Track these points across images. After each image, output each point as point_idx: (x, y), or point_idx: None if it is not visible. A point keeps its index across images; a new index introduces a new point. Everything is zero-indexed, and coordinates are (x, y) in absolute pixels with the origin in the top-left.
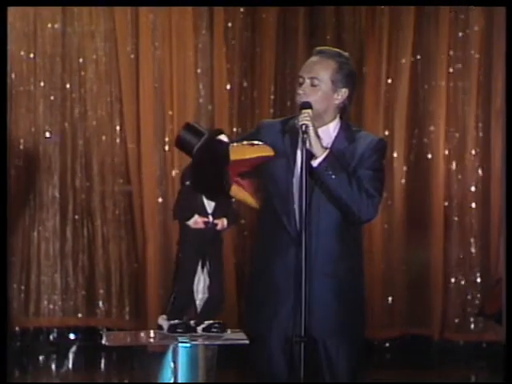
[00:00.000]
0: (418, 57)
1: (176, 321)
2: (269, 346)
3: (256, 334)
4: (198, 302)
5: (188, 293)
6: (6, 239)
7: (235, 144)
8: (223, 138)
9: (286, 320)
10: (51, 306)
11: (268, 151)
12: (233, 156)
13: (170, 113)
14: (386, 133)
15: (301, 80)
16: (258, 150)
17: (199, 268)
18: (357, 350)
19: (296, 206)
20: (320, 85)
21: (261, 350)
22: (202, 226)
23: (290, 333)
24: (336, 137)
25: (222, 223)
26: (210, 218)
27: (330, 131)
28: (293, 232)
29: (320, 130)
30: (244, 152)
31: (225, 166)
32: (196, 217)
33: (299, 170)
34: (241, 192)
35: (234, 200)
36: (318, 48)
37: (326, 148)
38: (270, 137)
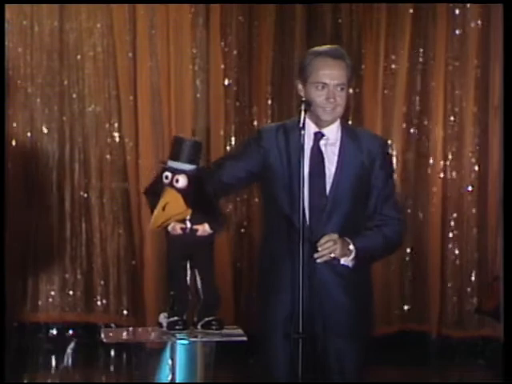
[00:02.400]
0: (416, 54)
1: (175, 318)
2: (276, 346)
3: (266, 335)
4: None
5: (184, 291)
6: (4, 235)
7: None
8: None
9: (295, 319)
10: (49, 302)
11: (178, 207)
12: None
13: (168, 109)
14: (384, 129)
15: (320, 86)
16: (170, 212)
17: (188, 270)
18: (365, 347)
19: (306, 209)
20: (345, 88)
21: (269, 349)
22: (179, 232)
23: (296, 332)
24: (341, 136)
25: (202, 229)
26: (188, 224)
27: (334, 130)
28: (303, 232)
29: (326, 130)
30: (157, 220)
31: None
32: (173, 223)
33: (302, 170)
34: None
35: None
36: (317, 49)
37: (351, 250)
38: (271, 141)
